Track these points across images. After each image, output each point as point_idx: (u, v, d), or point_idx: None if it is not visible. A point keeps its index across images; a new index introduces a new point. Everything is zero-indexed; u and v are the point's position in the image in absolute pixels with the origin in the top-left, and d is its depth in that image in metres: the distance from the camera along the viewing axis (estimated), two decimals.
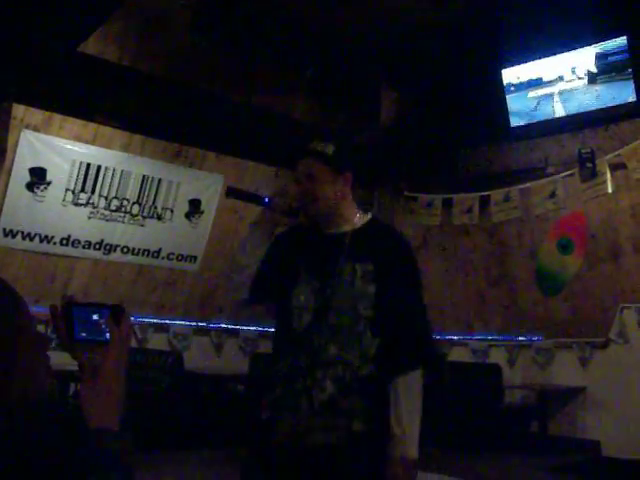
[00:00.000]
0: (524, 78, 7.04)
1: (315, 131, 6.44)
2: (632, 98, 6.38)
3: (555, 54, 6.79)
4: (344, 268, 2.27)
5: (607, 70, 6.48)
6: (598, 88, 6.58)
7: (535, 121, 7.10)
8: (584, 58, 6.61)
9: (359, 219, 2.39)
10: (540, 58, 6.89)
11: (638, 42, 6.25)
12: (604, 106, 6.57)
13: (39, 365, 1.08)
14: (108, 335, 1.18)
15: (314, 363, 2.22)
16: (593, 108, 6.65)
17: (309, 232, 2.42)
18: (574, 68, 6.69)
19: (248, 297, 2.41)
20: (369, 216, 2.43)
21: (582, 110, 6.73)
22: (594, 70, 6.57)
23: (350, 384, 2.20)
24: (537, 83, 6.98)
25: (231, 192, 2.62)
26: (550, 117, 7.00)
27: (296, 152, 2.42)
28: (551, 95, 6.93)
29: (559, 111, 6.91)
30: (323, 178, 2.31)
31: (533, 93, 7.04)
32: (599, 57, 6.51)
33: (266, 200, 2.36)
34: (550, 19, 6.31)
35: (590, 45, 6.55)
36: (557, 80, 6.84)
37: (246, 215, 7.35)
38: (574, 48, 6.64)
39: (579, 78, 6.69)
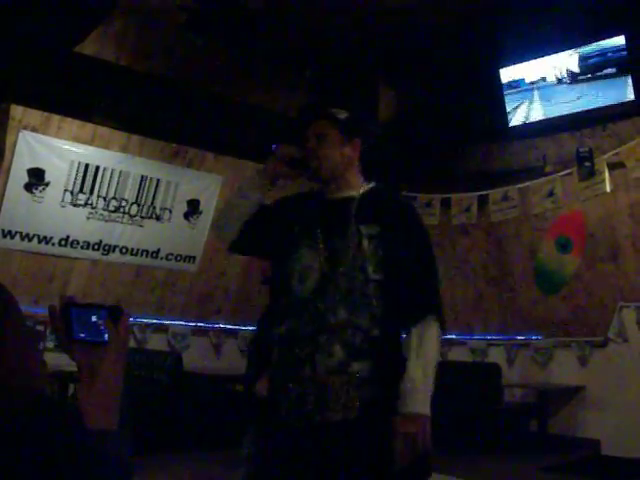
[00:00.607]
0: (522, 77, 7.03)
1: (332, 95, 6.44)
2: (630, 97, 6.38)
3: (553, 53, 6.78)
4: (350, 231, 2.26)
5: (605, 69, 6.48)
6: (597, 87, 6.58)
7: (533, 120, 7.10)
8: (583, 57, 6.60)
9: (363, 187, 2.41)
10: (538, 57, 6.89)
11: (636, 41, 6.24)
12: (603, 105, 6.57)
13: (30, 354, 1.07)
14: (106, 336, 1.18)
15: (319, 329, 2.18)
16: (592, 107, 6.65)
17: (313, 197, 2.43)
18: (572, 66, 6.69)
19: (236, 239, 2.39)
20: (372, 184, 2.44)
21: (580, 109, 6.73)
22: (592, 69, 6.57)
23: (360, 347, 2.17)
24: (536, 82, 6.98)
25: None
26: (548, 116, 7.00)
27: (309, 112, 2.44)
28: (550, 94, 6.93)
29: (557, 110, 6.91)
30: (332, 140, 2.34)
31: (531, 92, 7.04)
32: (597, 56, 6.51)
33: (273, 146, 2.40)
34: (548, 18, 6.31)
35: (588, 44, 6.55)
36: (556, 79, 6.83)
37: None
38: (572, 47, 6.64)
39: (578, 77, 6.69)
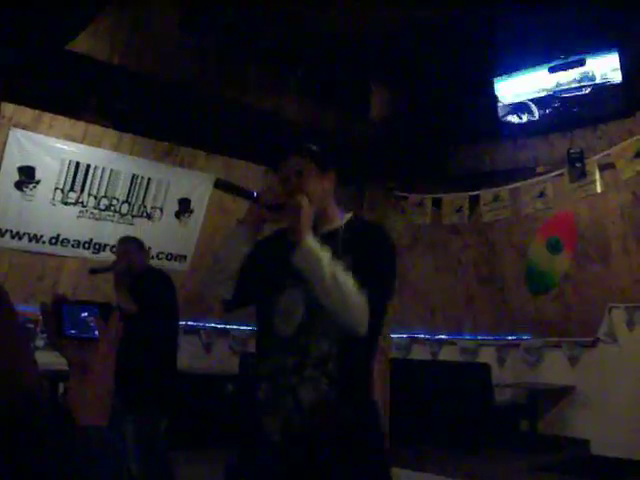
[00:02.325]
0: (514, 78, 7.05)
1: (302, 132, 6.46)
2: (621, 98, 6.40)
3: (546, 62, 6.79)
4: None
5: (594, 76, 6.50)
6: (587, 90, 6.60)
7: (524, 121, 7.12)
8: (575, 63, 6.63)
9: (342, 218, 2.41)
10: (533, 66, 6.90)
11: (627, 54, 6.27)
12: (593, 106, 6.59)
13: (23, 353, 1.07)
14: (97, 332, 1.18)
15: (303, 362, 2.21)
16: (583, 108, 6.68)
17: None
18: (565, 72, 6.71)
19: (231, 299, 2.40)
20: (350, 214, 2.44)
21: (571, 110, 6.75)
22: (584, 76, 6.60)
23: (341, 378, 2.19)
24: (527, 84, 7.00)
25: (220, 184, 2.63)
26: (539, 117, 7.02)
27: (283, 150, 2.43)
28: (540, 95, 6.95)
29: (548, 111, 6.93)
30: (310, 175, 2.34)
31: (523, 93, 7.06)
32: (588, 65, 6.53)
33: (254, 194, 2.36)
34: (543, 28, 6.33)
35: (581, 55, 6.56)
36: (548, 80, 6.85)
37: (236, 214, 7.33)
38: (566, 57, 6.65)
39: (571, 82, 6.71)
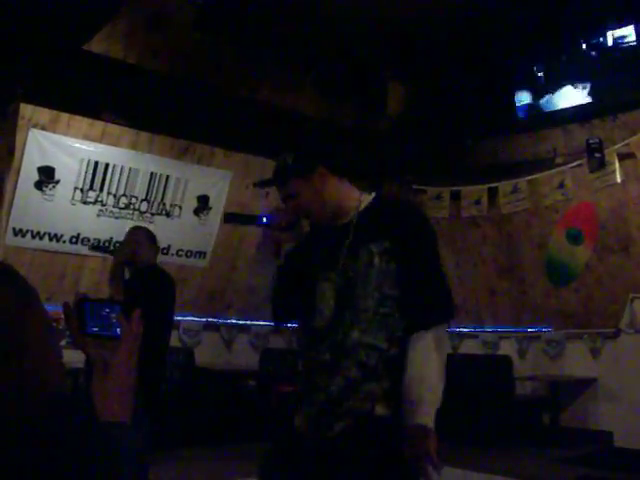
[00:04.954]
0: (532, 68, 7.00)
1: (320, 125, 6.44)
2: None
3: (562, 45, 6.74)
4: (359, 252, 2.21)
5: (615, 59, 6.44)
6: (606, 77, 6.54)
7: (543, 112, 7.07)
8: (591, 48, 6.57)
9: (362, 201, 2.33)
10: (547, 49, 6.85)
11: None
12: (612, 95, 6.53)
13: (52, 351, 1.08)
14: (119, 330, 1.19)
15: (337, 355, 2.18)
16: (601, 97, 6.62)
17: (315, 234, 2.38)
18: (582, 57, 6.65)
19: (275, 324, 2.44)
20: (372, 195, 2.36)
21: (590, 100, 6.70)
22: (600, 59, 6.53)
23: (376, 368, 2.15)
24: (545, 73, 6.95)
25: (229, 219, 2.64)
26: (558, 107, 6.96)
27: (265, 184, 2.38)
28: (559, 85, 6.90)
29: (567, 101, 6.88)
30: (301, 189, 2.26)
31: (540, 83, 7.01)
32: (606, 46, 6.47)
33: (265, 219, 2.34)
34: (557, 10, 6.28)
35: (595, 35, 6.51)
36: (564, 70, 6.80)
37: (255, 211, 7.35)
38: (581, 38, 6.60)
39: (588, 66, 6.65)
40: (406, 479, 2.12)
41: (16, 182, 6.31)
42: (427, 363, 2.11)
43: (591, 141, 6.60)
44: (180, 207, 7.41)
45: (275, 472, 2.32)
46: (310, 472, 2.19)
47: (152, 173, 7.09)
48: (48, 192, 6.53)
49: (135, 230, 4.55)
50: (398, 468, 2.10)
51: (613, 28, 6.38)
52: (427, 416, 2.06)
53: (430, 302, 2.19)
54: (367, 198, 2.34)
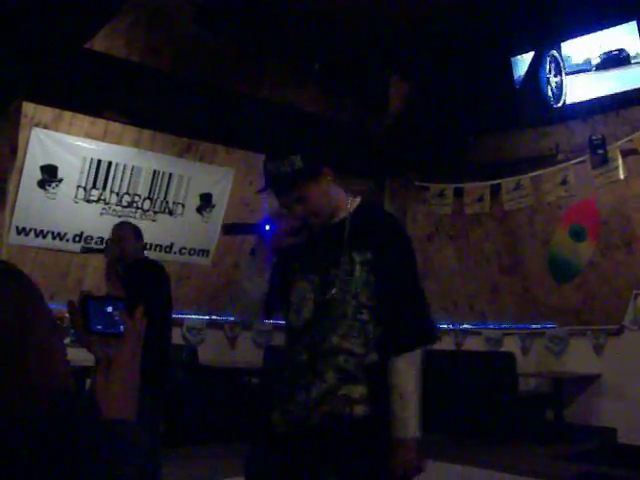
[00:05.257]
0: (534, 65, 6.98)
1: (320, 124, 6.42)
2: None
3: (563, 41, 6.73)
4: (342, 258, 2.22)
5: (617, 55, 6.42)
6: (609, 73, 6.53)
7: (545, 108, 7.06)
8: (593, 44, 6.55)
9: (350, 204, 2.34)
10: (550, 45, 6.83)
11: None
12: (615, 91, 6.51)
13: (56, 348, 1.08)
14: (122, 327, 1.20)
15: (315, 356, 2.20)
16: (603, 94, 6.60)
17: (308, 233, 2.36)
18: (584, 53, 6.64)
19: (262, 316, 2.43)
20: (357, 200, 2.36)
21: (592, 96, 6.68)
22: (604, 56, 6.52)
23: (354, 373, 2.18)
24: (547, 69, 6.93)
25: (227, 231, 2.62)
26: (560, 104, 6.95)
27: (270, 188, 2.29)
28: (561, 82, 6.88)
29: (569, 97, 6.86)
30: (311, 191, 2.23)
31: (543, 80, 6.99)
32: (609, 42, 6.45)
33: (267, 228, 2.28)
34: (558, 5, 6.27)
35: (600, 30, 6.49)
36: (566, 66, 6.78)
37: (257, 208, 7.37)
38: (583, 34, 6.58)
39: (589, 63, 6.63)
40: (379, 475, 2.18)
41: (19, 181, 6.32)
42: (407, 381, 2.19)
43: (594, 137, 6.58)
44: (183, 205, 7.42)
45: (257, 469, 2.33)
46: (287, 466, 2.22)
47: (155, 171, 7.11)
48: (51, 191, 6.54)
49: (120, 226, 4.61)
50: (372, 463, 2.16)
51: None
52: (405, 429, 2.16)
53: (411, 326, 2.23)
54: (353, 202, 2.35)
